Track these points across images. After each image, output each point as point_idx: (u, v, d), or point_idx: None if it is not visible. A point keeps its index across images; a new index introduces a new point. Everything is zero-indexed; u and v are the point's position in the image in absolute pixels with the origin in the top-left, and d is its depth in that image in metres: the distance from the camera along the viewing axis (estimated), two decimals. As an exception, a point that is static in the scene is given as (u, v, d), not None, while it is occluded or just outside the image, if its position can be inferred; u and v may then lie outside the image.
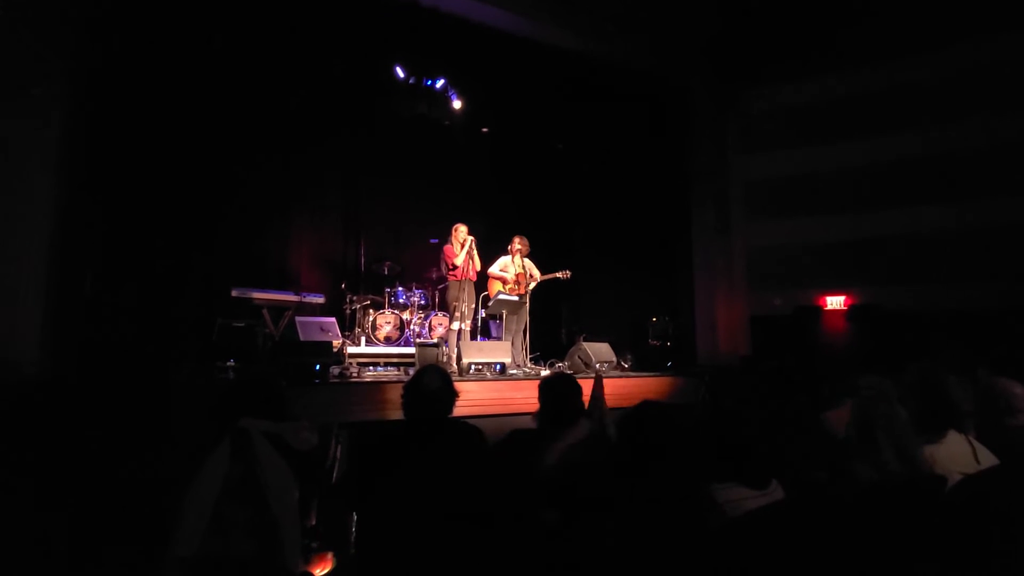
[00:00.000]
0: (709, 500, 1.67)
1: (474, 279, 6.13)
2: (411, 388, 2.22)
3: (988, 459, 2.16)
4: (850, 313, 7.73)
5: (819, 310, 7.89)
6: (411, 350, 6.09)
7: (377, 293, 7.01)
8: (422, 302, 7.03)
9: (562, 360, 6.50)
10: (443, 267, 6.18)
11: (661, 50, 7.66)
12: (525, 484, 2.13)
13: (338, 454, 2.34)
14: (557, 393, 2.44)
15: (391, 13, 6.08)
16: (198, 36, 5.84)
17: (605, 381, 5.55)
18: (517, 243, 6.19)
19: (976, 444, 2.19)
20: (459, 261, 5.96)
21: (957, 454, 2.13)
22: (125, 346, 4.82)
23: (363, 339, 6.61)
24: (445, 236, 7.04)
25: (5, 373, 3.87)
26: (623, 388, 5.58)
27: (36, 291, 4.28)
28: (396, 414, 3.85)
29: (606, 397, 5.29)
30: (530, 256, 6.39)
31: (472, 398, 4.45)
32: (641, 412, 1.74)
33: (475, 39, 6.63)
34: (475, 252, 6.03)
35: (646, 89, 7.91)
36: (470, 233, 6.11)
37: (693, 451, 1.71)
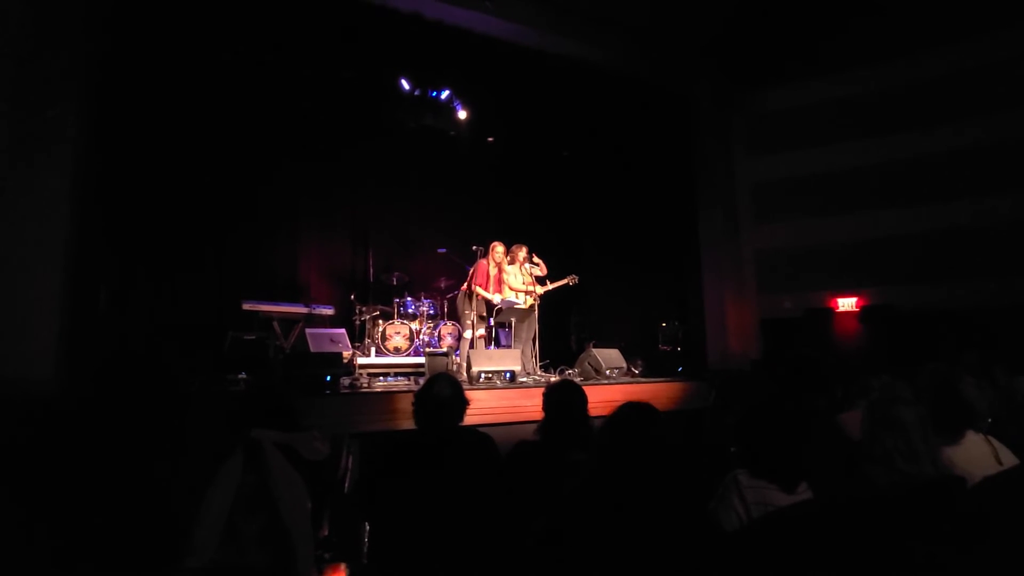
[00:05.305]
0: (736, 494, 1.67)
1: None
2: (422, 397, 2.22)
3: (1010, 459, 2.12)
4: (862, 314, 7.65)
5: (830, 312, 7.81)
6: (421, 360, 6.10)
7: (386, 303, 7.04)
8: (431, 311, 7.04)
9: (572, 367, 6.48)
10: (469, 282, 6.16)
11: (665, 55, 7.68)
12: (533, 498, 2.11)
13: (350, 464, 2.34)
14: (560, 403, 2.41)
15: (396, 26, 6.15)
16: (208, 56, 5.94)
17: (616, 388, 5.56)
18: (521, 253, 6.19)
19: (997, 444, 2.16)
20: (490, 294, 5.96)
21: (977, 455, 2.09)
22: (138, 360, 4.86)
23: (373, 349, 6.63)
24: (452, 245, 7.07)
25: (23, 389, 3.92)
26: (634, 394, 5.54)
27: (51, 308, 4.34)
28: (407, 423, 3.85)
29: (618, 403, 5.24)
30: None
31: (482, 406, 4.45)
32: (624, 415, 1.73)
33: (479, 50, 6.69)
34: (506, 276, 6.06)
35: (651, 93, 7.92)
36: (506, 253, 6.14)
37: (709, 451, 1.70)
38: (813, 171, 8.07)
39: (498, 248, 6.13)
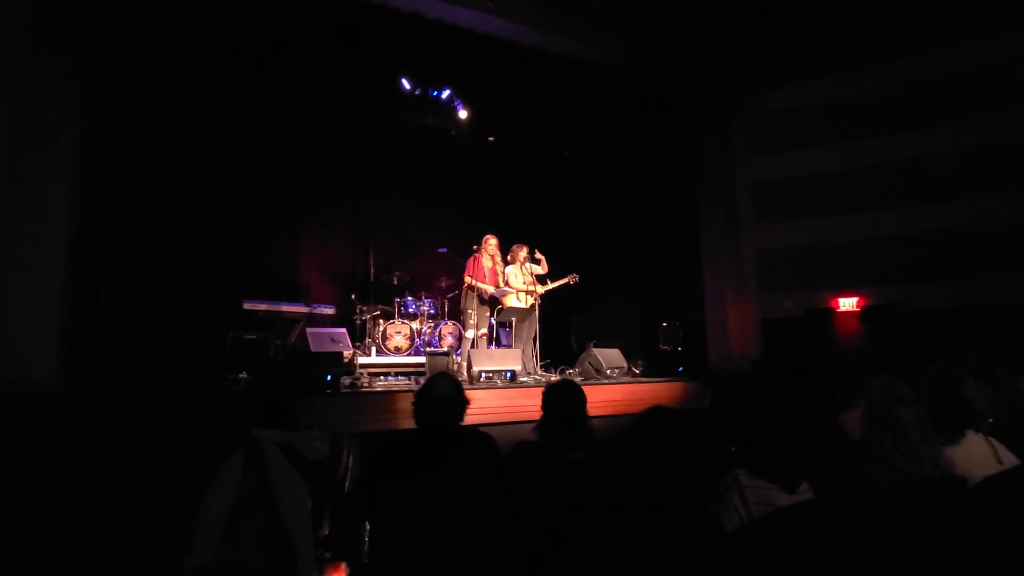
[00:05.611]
0: (737, 494, 1.67)
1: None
2: (422, 396, 2.22)
3: (1010, 459, 2.12)
4: (863, 314, 7.65)
5: (831, 312, 7.81)
6: (421, 359, 6.10)
7: (387, 303, 7.04)
8: (432, 311, 7.05)
9: (573, 367, 6.48)
10: (466, 276, 6.16)
11: (665, 55, 7.68)
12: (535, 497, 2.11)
13: (350, 463, 2.34)
14: (559, 402, 2.41)
15: (396, 25, 6.15)
16: (208, 56, 5.94)
17: (616, 387, 5.56)
18: (522, 253, 6.18)
19: (997, 444, 2.15)
20: (487, 286, 5.96)
21: (977, 455, 2.09)
22: (139, 360, 4.88)
23: (373, 349, 6.63)
24: (452, 245, 7.04)
25: (24, 389, 3.92)
26: (634, 394, 5.55)
27: (52, 308, 4.34)
28: (408, 423, 3.85)
29: (618, 403, 5.25)
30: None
31: (483, 406, 4.45)
32: (651, 418, 1.73)
33: (479, 50, 6.69)
34: (500, 268, 6.08)
35: (651, 93, 7.92)
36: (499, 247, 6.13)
37: (709, 451, 1.70)
38: (813, 171, 8.06)
39: (491, 241, 6.12)
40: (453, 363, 5.74)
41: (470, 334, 6.03)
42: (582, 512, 1.61)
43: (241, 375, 4.85)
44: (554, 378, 5.75)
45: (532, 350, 6.14)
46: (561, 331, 8.07)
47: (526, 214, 8.35)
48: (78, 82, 4.62)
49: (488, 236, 6.16)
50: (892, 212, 7.58)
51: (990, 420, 2.51)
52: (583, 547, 1.50)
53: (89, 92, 4.73)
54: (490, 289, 5.98)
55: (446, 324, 6.98)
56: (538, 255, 6.16)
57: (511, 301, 6.03)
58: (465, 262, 6.22)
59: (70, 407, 3.74)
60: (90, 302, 4.79)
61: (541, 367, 6.26)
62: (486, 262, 6.06)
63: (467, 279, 6.04)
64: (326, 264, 7.52)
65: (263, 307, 5.83)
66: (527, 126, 8.06)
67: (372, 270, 7.54)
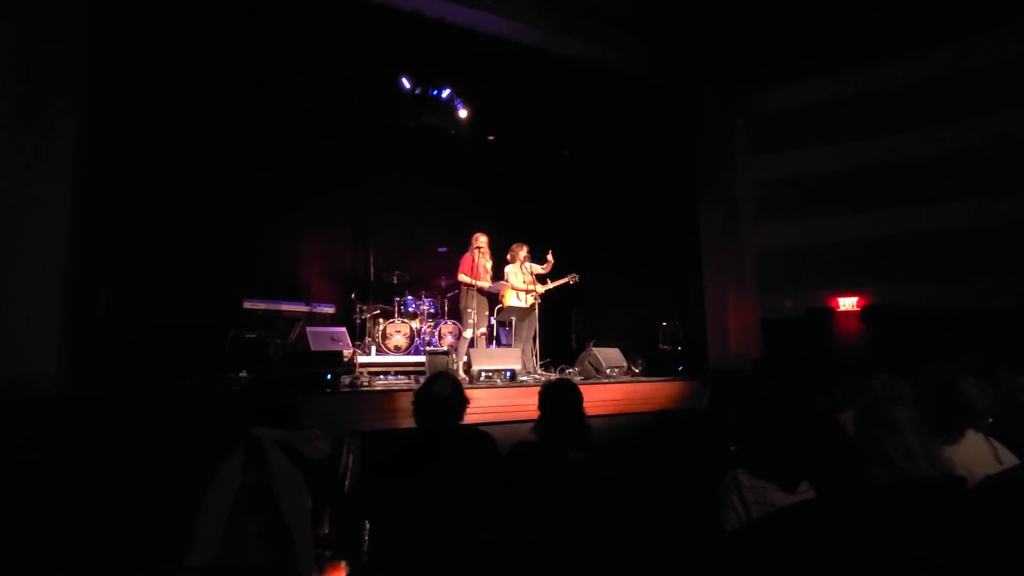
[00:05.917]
0: (736, 494, 1.67)
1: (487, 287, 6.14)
2: (421, 396, 2.23)
3: (1009, 458, 2.12)
4: (863, 314, 7.65)
5: (831, 311, 7.81)
6: (421, 359, 6.10)
7: (387, 302, 7.04)
8: (431, 310, 7.05)
9: (572, 366, 6.48)
10: (460, 275, 6.16)
11: (667, 54, 7.67)
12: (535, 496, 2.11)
13: (350, 463, 2.34)
14: (556, 402, 2.40)
15: (396, 24, 6.15)
16: (209, 54, 5.94)
17: (616, 387, 5.56)
18: (522, 252, 6.17)
19: (996, 443, 2.15)
20: (483, 282, 5.96)
21: (977, 454, 2.09)
22: (139, 359, 4.88)
23: (373, 348, 6.63)
24: (453, 244, 7.03)
25: (24, 388, 3.92)
26: (634, 394, 5.55)
27: (52, 307, 4.34)
28: (407, 422, 3.84)
29: (618, 402, 5.24)
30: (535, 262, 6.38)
31: (482, 405, 4.45)
32: (661, 424, 1.73)
33: (480, 48, 6.68)
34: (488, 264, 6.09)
35: (653, 93, 7.91)
36: (489, 245, 6.14)
37: (707, 451, 1.71)
38: (814, 170, 8.06)
39: (481, 238, 6.12)
40: (453, 362, 5.74)
41: (469, 333, 6.03)
42: (584, 511, 1.61)
43: (241, 374, 4.85)
44: (553, 377, 5.76)
45: (532, 349, 6.14)
46: (561, 330, 8.06)
47: (526, 213, 8.34)
48: (78, 79, 4.62)
49: (478, 233, 6.16)
50: (892, 212, 7.58)
51: (990, 420, 2.51)
52: (584, 546, 1.50)
53: (88, 90, 4.72)
54: (485, 285, 6.00)
55: (446, 323, 6.97)
56: (549, 257, 6.16)
57: (511, 300, 6.03)
58: (459, 260, 6.23)
59: (69, 406, 3.74)
60: (90, 301, 4.79)
61: (541, 366, 6.26)
62: (478, 258, 6.06)
63: (462, 277, 6.04)
64: (326, 263, 7.51)
65: (263, 306, 5.82)
66: (528, 125, 8.04)
67: (372, 269, 7.53)
